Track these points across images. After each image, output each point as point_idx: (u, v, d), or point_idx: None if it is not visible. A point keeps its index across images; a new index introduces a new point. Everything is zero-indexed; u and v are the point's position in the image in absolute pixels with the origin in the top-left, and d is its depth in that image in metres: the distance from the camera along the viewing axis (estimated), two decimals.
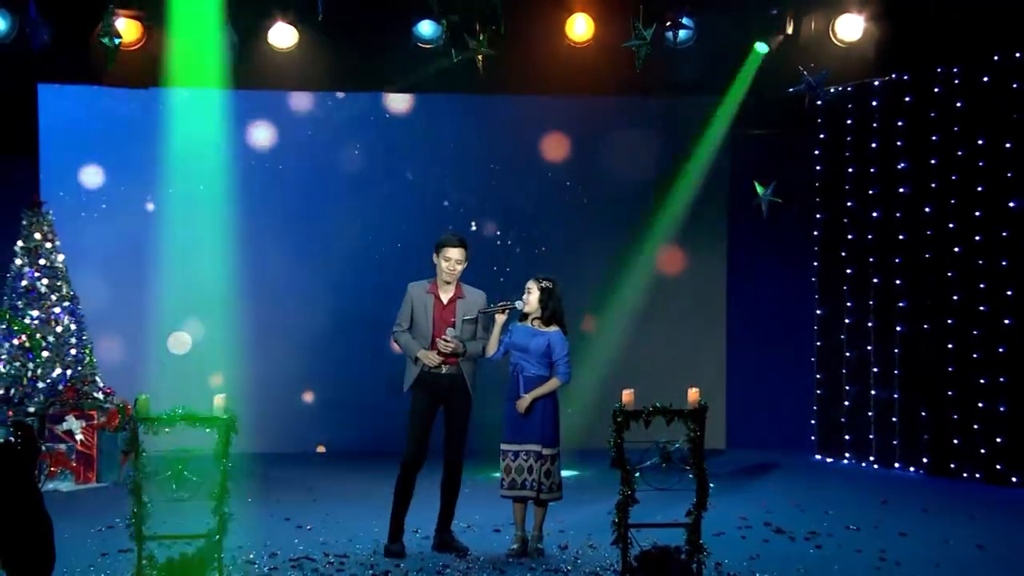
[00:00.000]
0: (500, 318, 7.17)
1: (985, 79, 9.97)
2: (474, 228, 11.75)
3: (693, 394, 6.09)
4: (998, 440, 9.82)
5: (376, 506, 7.36)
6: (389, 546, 7.13)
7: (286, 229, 11.72)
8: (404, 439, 7.10)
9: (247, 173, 11.62)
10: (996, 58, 9.89)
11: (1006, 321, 9.83)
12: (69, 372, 9.95)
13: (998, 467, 9.82)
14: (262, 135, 11.68)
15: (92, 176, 11.44)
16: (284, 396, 11.58)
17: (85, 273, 10.85)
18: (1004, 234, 9.86)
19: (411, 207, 11.70)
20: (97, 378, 10.13)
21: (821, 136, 11.38)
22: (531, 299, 7.17)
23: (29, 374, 9.80)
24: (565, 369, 7.10)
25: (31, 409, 9.64)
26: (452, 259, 7.11)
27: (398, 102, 11.79)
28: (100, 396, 9.96)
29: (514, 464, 7.10)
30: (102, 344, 10.91)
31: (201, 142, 11.49)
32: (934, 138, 10.34)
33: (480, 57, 10.34)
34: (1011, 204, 9.80)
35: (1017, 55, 9.74)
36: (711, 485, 6.04)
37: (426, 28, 10.54)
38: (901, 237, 10.65)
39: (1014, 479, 9.70)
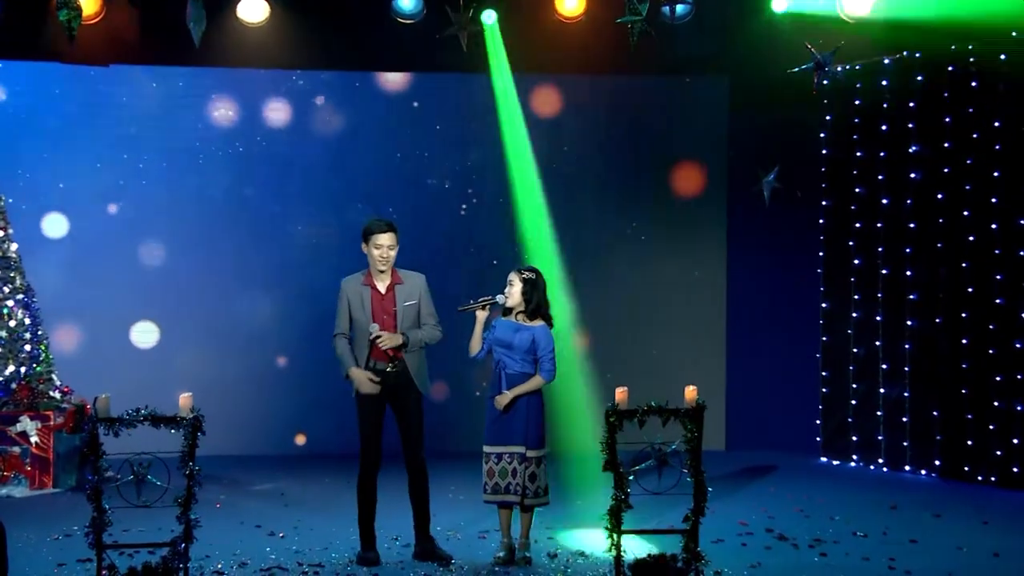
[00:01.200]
0: (481, 315, 7.16)
1: (1001, 57, 9.99)
2: (463, 212, 11.77)
3: (691, 392, 6.10)
4: (1015, 441, 9.86)
5: (352, 512, 7.34)
6: (363, 554, 7.15)
7: (255, 215, 11.71)
8: None
9: (213, 155, 11.61)
10: (1014, 34, 9.91)
11: (1023, 315, 9.86)
12: (23, 369, 9.90)
13: (1014, 470, 9.86)
14: (229, 115, 11.64)
15: (48, 160, 11.38)
16: (253, 396, 11.57)
17: (40, 263, 10.82)
18: (1022, 222, 9.89)
19: (397, 193, 11.68)
20: (54, 376, 10.09)
21: (827, 118, 11.39)
22: (513, 292, 7.16)
23: None
24: (549, 366, 7.11)
25: None
26: (384, 246, 7.11)
27: (377, 81, 11.77)
28: (57, 395, 9.93)
29: (497, 467, 7.10)
30: (59, 339, 10.88)
31: (164, 123, 11.48)
32: (947, 120, 10.37)
33: (464, 34, 10.32)
34: None
35: None
36: (710, 489, 6.05)
37: (406, 2, 10.52)
38: (912, 226, 10.67)
39: None
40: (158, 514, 5.96)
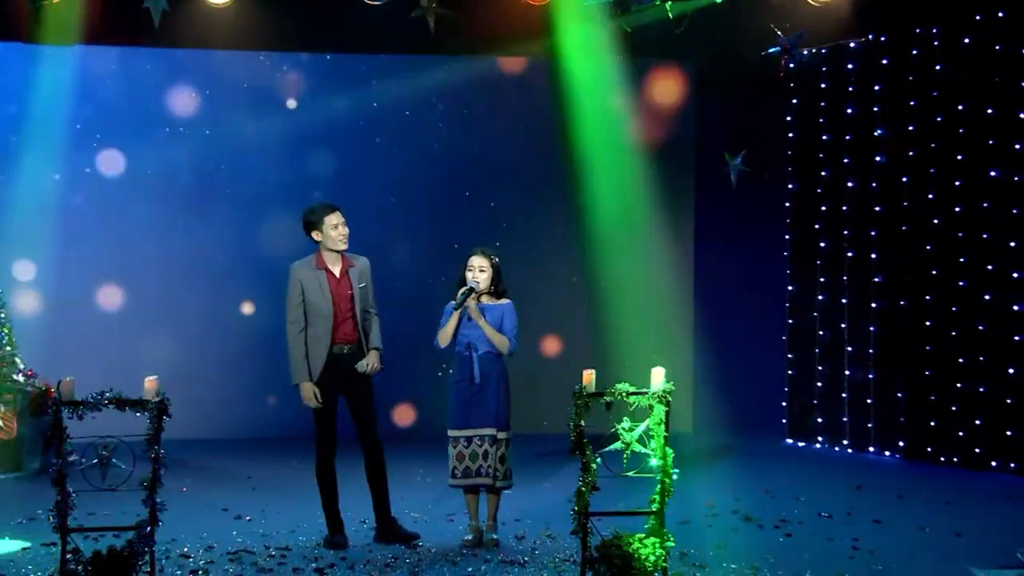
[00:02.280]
0: (471, 304, 7.14)
1: (966, 41, 10.06)
2: (430, 196, 11.75)
3: (657, 375, 6.11)
4: (977, 422, 9.96)
5: (319, 495, 7.33)
6: (331, 538, 7.16)
7: (220, 198, 11.63)
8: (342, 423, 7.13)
9: (177, 138, 11.52)
10: (978, 18, 9.97)
11: (986, 297, 9.95)
12: None
13: (976, 451, 9.96)
14: (192, 98, 11.54)
15: (6, 136, 11.26)
16: (220, 380, 11.51)
17: (2, 243, 10.72)
18: (985, 205, 9.97)
19: (360, 178, 11.64)
20: (17, 359, 10.00)
21: (794, 101, 11.43)
22: (484, 277, 7.17)
23: None
24: (515, 343, 7.18)
25: None
26: (341, 223, 7.10)
27: (343, 63, 11.71)
28: (20, 379, 9.84)
29: (467, 451, 7.11)
30: (23, 322, 10.78)
31: (127, 104, 11.39)
32: (912, 103, 10.43)
33: (433, 16, 10.27)
34: (992, 173, 9.91)
35: (1000, 15, 9.82)
36: (676, 471, 6.07)
37: None
38: (877, 209, 10.74)
39: (993, 463, 9.85)
40: (124, 498, 5.92)
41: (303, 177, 11.59)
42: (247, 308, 11.57)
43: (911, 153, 10.45)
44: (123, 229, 11.46)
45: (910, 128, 10.44)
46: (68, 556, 5.79)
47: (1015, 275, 9.75)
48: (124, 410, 5.85)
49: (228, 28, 10.72)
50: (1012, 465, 9.74)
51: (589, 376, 6.07)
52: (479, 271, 7.17)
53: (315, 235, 7.13)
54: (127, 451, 5.81)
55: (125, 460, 5.81)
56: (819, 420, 11.20)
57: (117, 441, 5.82)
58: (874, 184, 10.76)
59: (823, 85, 11.15)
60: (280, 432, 11.37)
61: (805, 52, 10.71)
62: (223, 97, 11.60)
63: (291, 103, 11.64)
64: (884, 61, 10.66)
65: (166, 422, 5.88)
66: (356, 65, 11.75)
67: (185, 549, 6.97)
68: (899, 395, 10.55)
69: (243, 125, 11.60)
